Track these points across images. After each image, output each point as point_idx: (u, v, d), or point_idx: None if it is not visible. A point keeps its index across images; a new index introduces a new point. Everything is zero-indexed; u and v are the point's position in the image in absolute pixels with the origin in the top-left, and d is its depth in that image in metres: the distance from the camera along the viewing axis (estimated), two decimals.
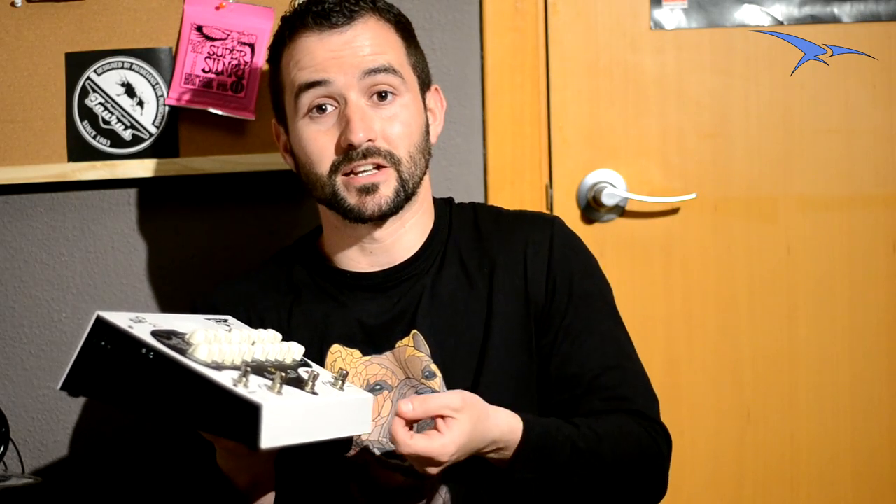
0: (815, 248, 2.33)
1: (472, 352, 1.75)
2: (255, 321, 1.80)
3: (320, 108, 1.73)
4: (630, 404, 1.73)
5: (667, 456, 1.73)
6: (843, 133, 2.32)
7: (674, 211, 2.31)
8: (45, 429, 2.16)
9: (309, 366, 1.64)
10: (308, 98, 1.73)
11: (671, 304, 2.31)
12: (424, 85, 1.81)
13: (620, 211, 2.29)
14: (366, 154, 1.71)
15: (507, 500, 1.67)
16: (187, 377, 1.44)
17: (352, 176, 1.72)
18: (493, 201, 2.23)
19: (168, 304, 2.16)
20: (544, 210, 2.27)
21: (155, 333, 1.50)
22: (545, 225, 1.83)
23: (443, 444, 1.53)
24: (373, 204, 1.73)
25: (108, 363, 1.48)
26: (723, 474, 2.33)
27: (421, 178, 1.77)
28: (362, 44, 1.73)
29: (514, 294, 1.77)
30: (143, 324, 1.52)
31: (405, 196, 1.74)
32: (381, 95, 1.73)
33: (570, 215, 2.28)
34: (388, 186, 1.73)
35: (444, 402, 1.55)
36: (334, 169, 1.73)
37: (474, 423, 1.56)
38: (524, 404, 1.73)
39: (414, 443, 1.53)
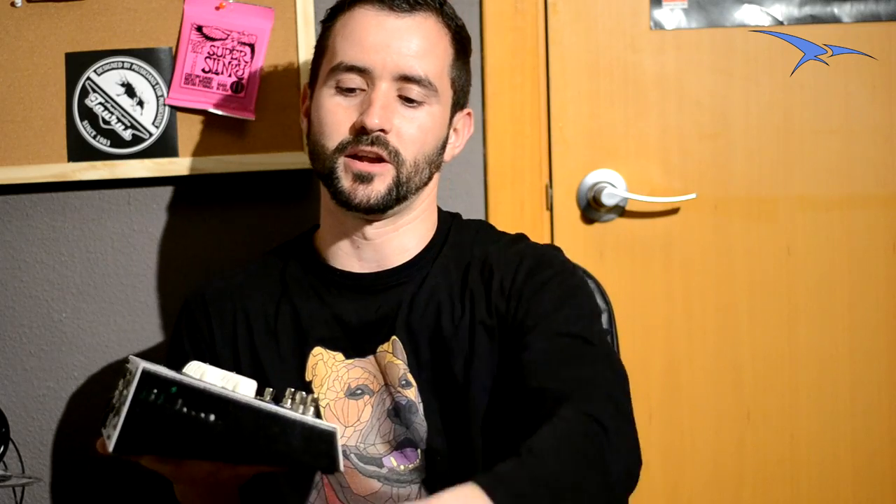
0: (815, 248, 2.33)
1: (446, 362, 1.73)
2: (239, 316, 1.80)
3: (350, 89, 1.73)
4: (581, 394, 1.57)
5: (612, 428, 1.52)
6: (843, 133, 2.32)
7: (674, 211, 2.31)
8: (45, 429, 2.16)
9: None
10: (343, 77, 1.72)
11: (671, 304, 2.31)
12: (458, 104, 1.80)
13: (620, 211, 2.29)
14: (373, 142, 1.70)
15: None
16: (255, 415, 1.41)
17: (353, 159, 1.71)
18: (493, 201, 2.23)
19: (168, 303, 2.16)
20: (544, 210, 2.27)
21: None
22: (536, 247, 1.79)
23: None
24: (363, 194, 1.71)
25: (162, 415, 1.40)
26: (723, 474, 2.33)
27: (420, 188, 1.75)
28: (412, 40, 1.72)
29: (483, 303, 1.73)
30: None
31: (397, 197, 1.73)
32: (409, 99, 1.73)
33: (570, 215, 2.28)
34: (382, 182, 1.71)
35: None
36: (340, 148, 1.72)
37: None
38: (508, 416, 1.68)
39: None
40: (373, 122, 1.69)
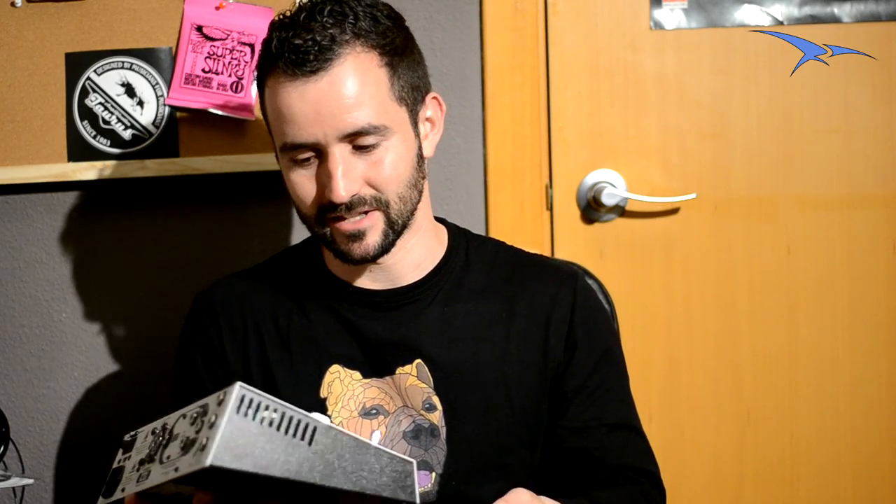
0: (815, 248, 2.33)
1: (480, 391, 1.72)
2: (250, 325, 1.77)
3: (305, 160, 1.67)
4: (639, 467, 1.75)
5: None
6: (843, 133, 2.32)
7: (674, 211, 2.31)
8: (45, 429, 2.16)
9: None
10: (291, 155, 1.67)
11: (671, 304, 2.31)
12: (417, 103, 1.71)
13: (620, 211, 2.30)
14: (350, 207, 1.65)
15: None
16: (344, 441, 1.43)
17: (340, 222, 1.67)
18: (493, 201, 2.23)
19: (168, 303, 2.16)
20: (544, 210, 2.27)
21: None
22: (569, 279, 1.79)
23: None
24: (360, 251, 1.68)
25: (257, 431, 1.38)
26: (723, 474, 2.33)
27: (413, 212, 1.71)
28: (340, 96, 1.63)
29: (534, 344, 1.75)
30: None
31: (394, 237, 1.69)
32: (364, 147, 1.66)
33: (570, 215, 2.28)
34: (374, 232, 1.67)
35: None
36: (320, 219, 1.68)
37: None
38: (534, 450, 1.74)
39: None
40: (339, 196, 1.64)
